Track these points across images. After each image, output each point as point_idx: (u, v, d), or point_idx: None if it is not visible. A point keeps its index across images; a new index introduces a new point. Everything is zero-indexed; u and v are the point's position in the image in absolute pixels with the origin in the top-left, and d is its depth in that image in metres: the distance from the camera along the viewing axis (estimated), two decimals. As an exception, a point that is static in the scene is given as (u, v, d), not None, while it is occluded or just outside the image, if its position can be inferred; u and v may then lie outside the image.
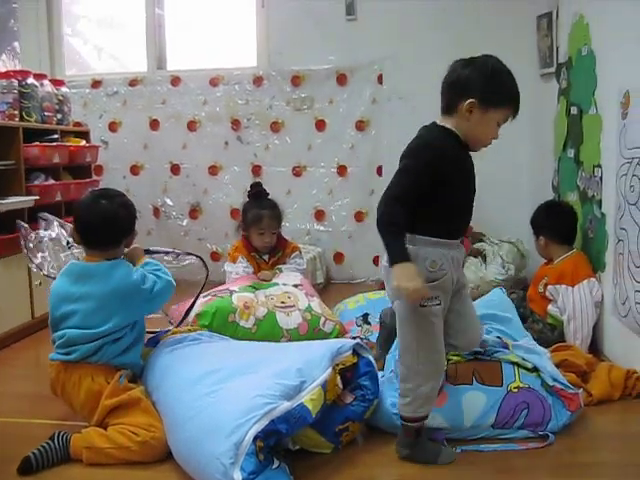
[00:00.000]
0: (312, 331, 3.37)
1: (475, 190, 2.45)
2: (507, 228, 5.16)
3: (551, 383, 2.59)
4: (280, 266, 3.97)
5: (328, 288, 5.25)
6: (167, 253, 3.32)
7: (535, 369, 2.65)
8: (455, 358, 2.70)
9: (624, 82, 3.13)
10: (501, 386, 2.59)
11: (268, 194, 4.04)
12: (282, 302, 3.47)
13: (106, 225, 2.71)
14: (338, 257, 5.62)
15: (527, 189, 5.26)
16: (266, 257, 3.99)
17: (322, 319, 3.43)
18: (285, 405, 2.19)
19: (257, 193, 4.04)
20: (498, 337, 2.86)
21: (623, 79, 3.15)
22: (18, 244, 3.71)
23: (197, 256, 3.42)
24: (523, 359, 2.67)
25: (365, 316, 3.58)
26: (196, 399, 2.35)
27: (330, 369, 2.41)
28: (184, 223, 5.71)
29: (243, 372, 2.43)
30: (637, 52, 2.99)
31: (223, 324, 3.25)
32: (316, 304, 3.54)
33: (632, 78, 3.06)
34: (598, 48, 3.53)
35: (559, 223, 3.67)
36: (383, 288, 4.55)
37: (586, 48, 3.66)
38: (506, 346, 2.78)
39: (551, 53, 4.43)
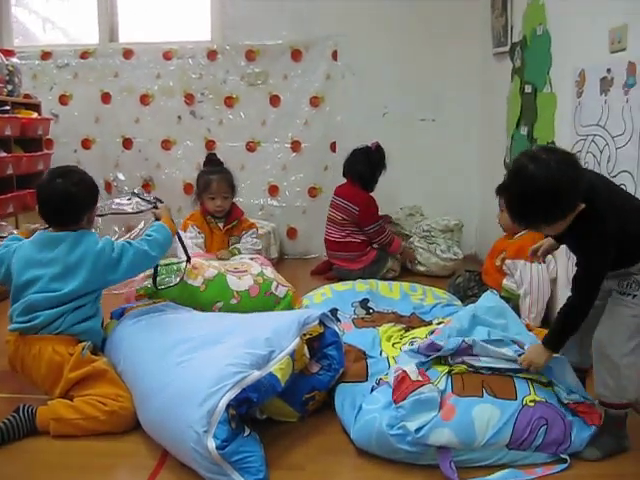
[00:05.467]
0: (263, 294, 3.39)
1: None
2: (453, 204, 5.30)
3: (565, 400, 2.35)
4: (237, 246, 4.01)
5: (282, 263, 5.27)
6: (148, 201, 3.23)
7: (550, 383, 2.40)
8: (457, 368, 2.41)
9: (579, 61, 3.21)
10: (515, 399, 2.31)
11: (221, 162, 4.13)
12: (235, 268, 3.50)
13: (62, 204, 2.71)
14: (292, 232, 5.65)
15: (476, 167, 5.36)
16: (221, 224, 4.06)
17: (274, 283, 3.45)
18: (255, 374, 2.22)
19: (208, 161, 4.18)
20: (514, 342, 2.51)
21: (578, 58, 3.23)
22: None
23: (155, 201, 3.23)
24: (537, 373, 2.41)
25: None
26: (166, 369, 2.37)
27: (298, 339, 2.45)
28: (136, 198, 5.63)
29: (212, 342, 2.46)
30: (592, 32, 3.05)
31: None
32: (269, 271, 3.57)
33: (587, 57, 3.14)
34: (553, 28, 3.61)
35: None
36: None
37: (541, 28, 3.73)
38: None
39: (505, 32, 4.49)
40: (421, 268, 4.92)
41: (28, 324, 2.62)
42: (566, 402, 2.34)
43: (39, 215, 2.79)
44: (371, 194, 4.83)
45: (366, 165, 4.79)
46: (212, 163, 4.18)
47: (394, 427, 2.25)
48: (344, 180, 4.88)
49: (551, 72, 3.62)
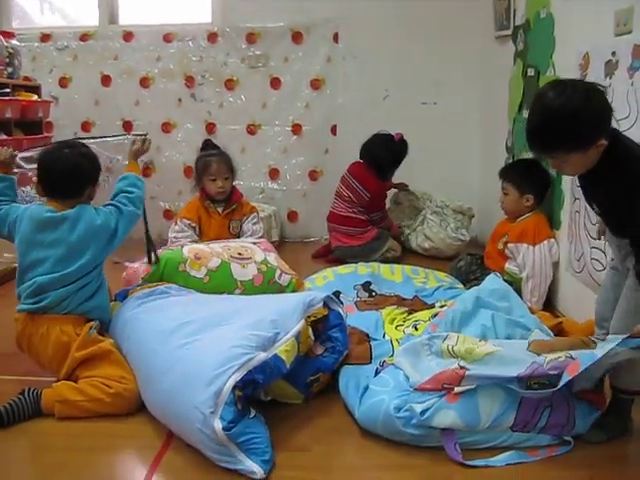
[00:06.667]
0: (267, 283, 3.36)
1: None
2: (456, 187, 5.28)
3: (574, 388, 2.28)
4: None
5: (282, 246, 5.26)
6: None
7: None
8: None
9: (583, 44, 3.19)
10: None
11: (218, 147, 4.15)
12: (239, 253, 3.48)
13: (68, 174, 2.70)
14: (292, 216, 5.65)
15: (478, 150, 5.36)
16: (220, 209, 4.05)
17: (278, 271, 3.43)
18: (261, 356, 2.23)
19: (205, 146, 4.19)
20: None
21: (582, 41, 3.21)
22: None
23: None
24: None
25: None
26: (172, 350, 2.37)
27: (303, 321, 2.46)
28: (136, 181, 5.61)
29: (217, 324, 2.47)
30: (597, 14, 3.04)
31: (173, 273, 3.23)
32: (272, 258, 3.55)
33: (591, 40, 3.13)
34: (557, 11, 3.59)
35: (547, 185, 3.63)
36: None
37: (545, 11, 3.72)
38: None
39: (508, 16, 4.48)
40: (426, 245, 4.93)
41: (37, 305, 2.62)
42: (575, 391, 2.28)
43: (39, 185, 2.76)
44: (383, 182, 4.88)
45: (383, 152, 4.78)
46: (209, 148, 4.19)
47: (401, 410, 2.25)
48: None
49: (554, 55, 3.60)
